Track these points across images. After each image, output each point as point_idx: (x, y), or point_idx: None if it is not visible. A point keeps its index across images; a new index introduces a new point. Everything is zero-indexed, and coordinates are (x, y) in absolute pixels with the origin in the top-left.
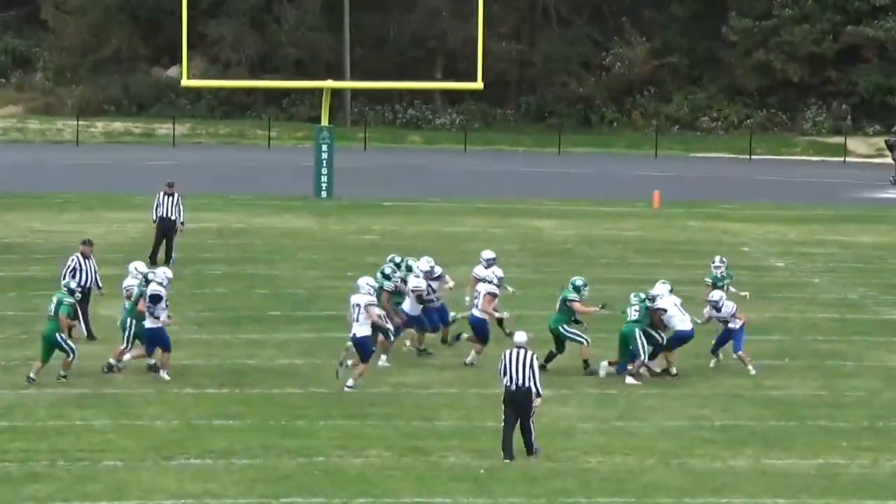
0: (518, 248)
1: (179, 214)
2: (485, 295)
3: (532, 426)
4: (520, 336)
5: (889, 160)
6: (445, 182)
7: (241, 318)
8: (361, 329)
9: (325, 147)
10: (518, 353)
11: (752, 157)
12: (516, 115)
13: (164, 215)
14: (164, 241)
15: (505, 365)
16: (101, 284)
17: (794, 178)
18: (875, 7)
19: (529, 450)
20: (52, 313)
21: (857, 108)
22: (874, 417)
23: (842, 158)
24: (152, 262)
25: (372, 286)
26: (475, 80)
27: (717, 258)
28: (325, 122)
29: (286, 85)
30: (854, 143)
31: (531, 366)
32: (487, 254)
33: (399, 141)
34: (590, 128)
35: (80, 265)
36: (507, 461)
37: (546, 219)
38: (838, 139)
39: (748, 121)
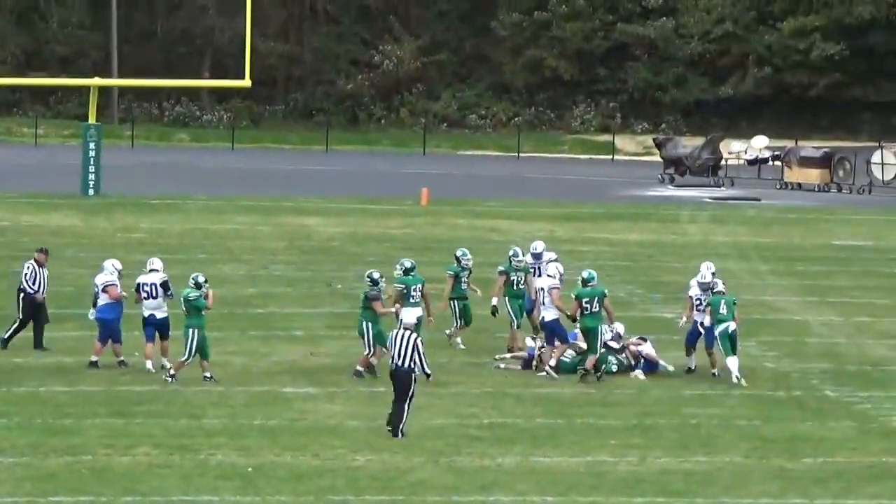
0: (285, 245)
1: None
2: (551, 291)
3: (406, 409)
4: (408, 318)
5: (657, 158)
6: (213, 180)
7: (7, 318)
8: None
9: (92, 145)
10: (404, 335)
11: (521, 154)
12: (284, 113)
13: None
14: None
15: (390, 344)
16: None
17: (562, 176)
18: (646, 9)
19: (395, 431)
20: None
21: (625, 106)
22: (643, 415)
23: (610, 156)
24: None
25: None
26: (243, 77)
27: (515, 249)
28: (92, 119)
29: (53, 83)
30: (622, 142)
31: (415, 348)
32: (538, 245)
33: (166, 139)
34: (357, 126)
35: (37, 272)
36: (395, 437)
37: (313, 216)
38: (606, 137)
39: (516, 119)
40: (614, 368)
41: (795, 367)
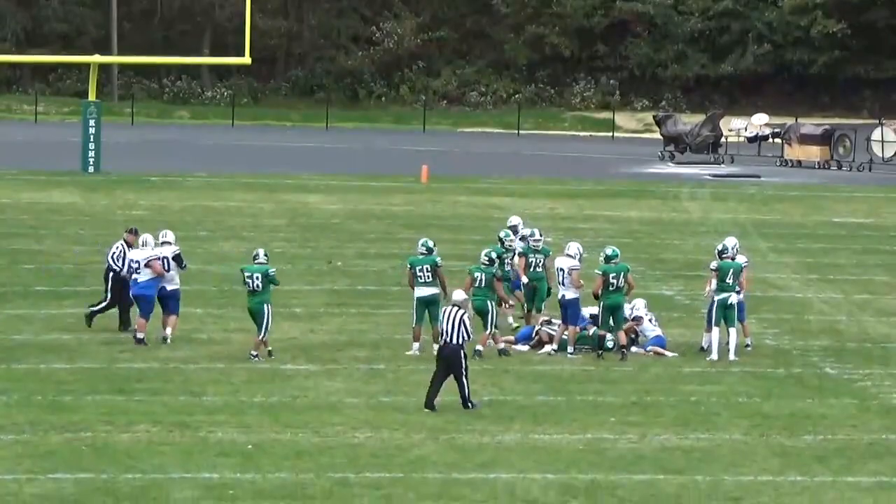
0: (286, 222)
1: None
2: (571, 271)
3: (465, 382)
4: (457, 294)
5: (657, 135)
6: (213, 157)
7: (8, 294)
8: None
9: (92, 122)
10: (452, 311)
11: (521, 132)
12: (285, 90)
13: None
14: None
15: (441, 321)
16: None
17: (562, 153)
18: None
19: (465, 403)
20: (259, 288)
21: (625, 84)
22: (642, 392)
23: (610, 133)
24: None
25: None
26: (243, 54)
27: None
28: (92, 96)
29: (53, 60)
30: (622, 119)
31: (461, 323)
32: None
33: (167, 116)
34: (358, 103)
35: (125, 252)
36: (468, 408)
37: (314, 194)
38: (606, 114)
39: (516, 95)
40: (611, 345)
41: (796, 344)
